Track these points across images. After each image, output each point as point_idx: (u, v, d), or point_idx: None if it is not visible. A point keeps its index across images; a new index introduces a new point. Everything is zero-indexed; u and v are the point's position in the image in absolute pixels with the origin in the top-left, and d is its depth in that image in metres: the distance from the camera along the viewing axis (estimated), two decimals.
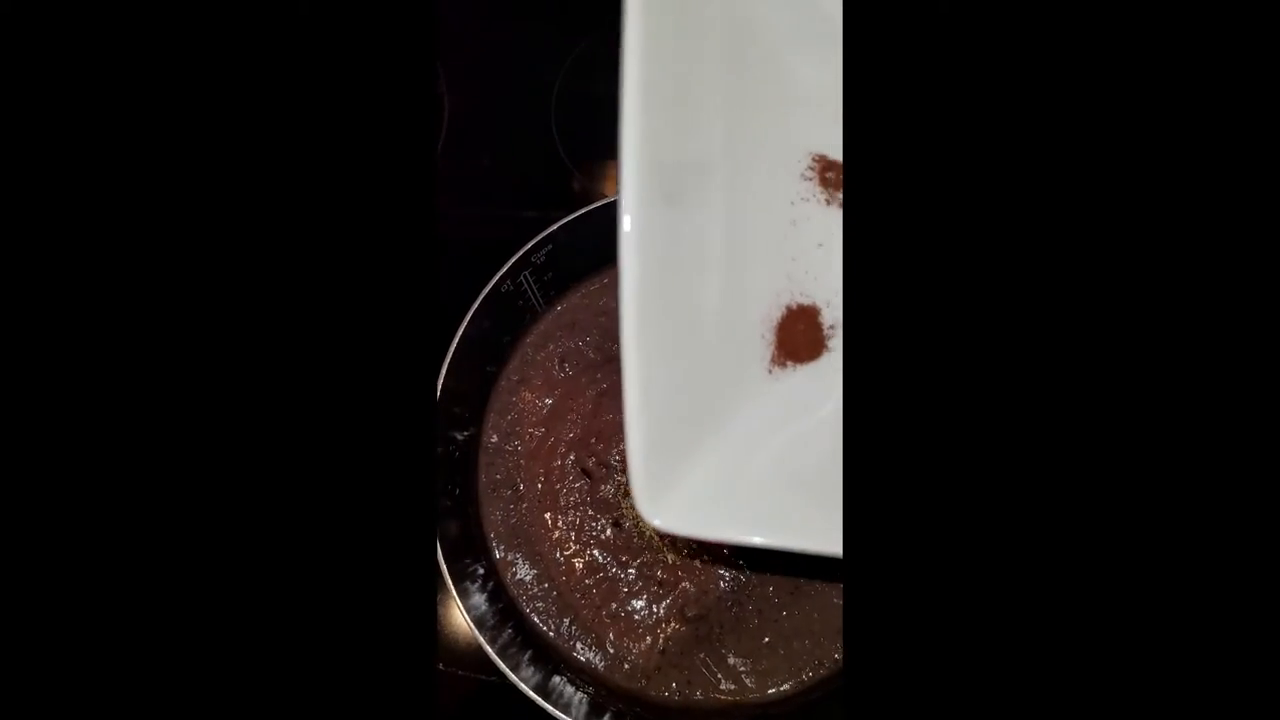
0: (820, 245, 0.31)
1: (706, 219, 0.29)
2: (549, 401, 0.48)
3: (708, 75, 0.28)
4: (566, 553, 0.46)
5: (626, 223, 0.27)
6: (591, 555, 0.45)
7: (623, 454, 0.45)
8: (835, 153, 0.31)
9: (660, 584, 0.45)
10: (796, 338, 0.31)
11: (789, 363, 0.32)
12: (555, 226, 0.44)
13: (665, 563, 0.45)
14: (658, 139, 0.26)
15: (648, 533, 0.45)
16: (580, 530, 0.46)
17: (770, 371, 0.32)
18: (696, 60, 0.27)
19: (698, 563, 0.45)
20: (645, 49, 0.25)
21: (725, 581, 0.44)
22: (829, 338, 0.32)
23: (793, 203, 0.31)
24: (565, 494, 0.46)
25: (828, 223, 0.31)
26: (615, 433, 0.46)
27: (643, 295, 0.28)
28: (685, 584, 0.45)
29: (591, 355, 0.49)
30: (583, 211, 0.45)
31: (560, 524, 0.46)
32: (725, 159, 0.29)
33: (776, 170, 0.30)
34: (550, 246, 0.45)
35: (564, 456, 0.47)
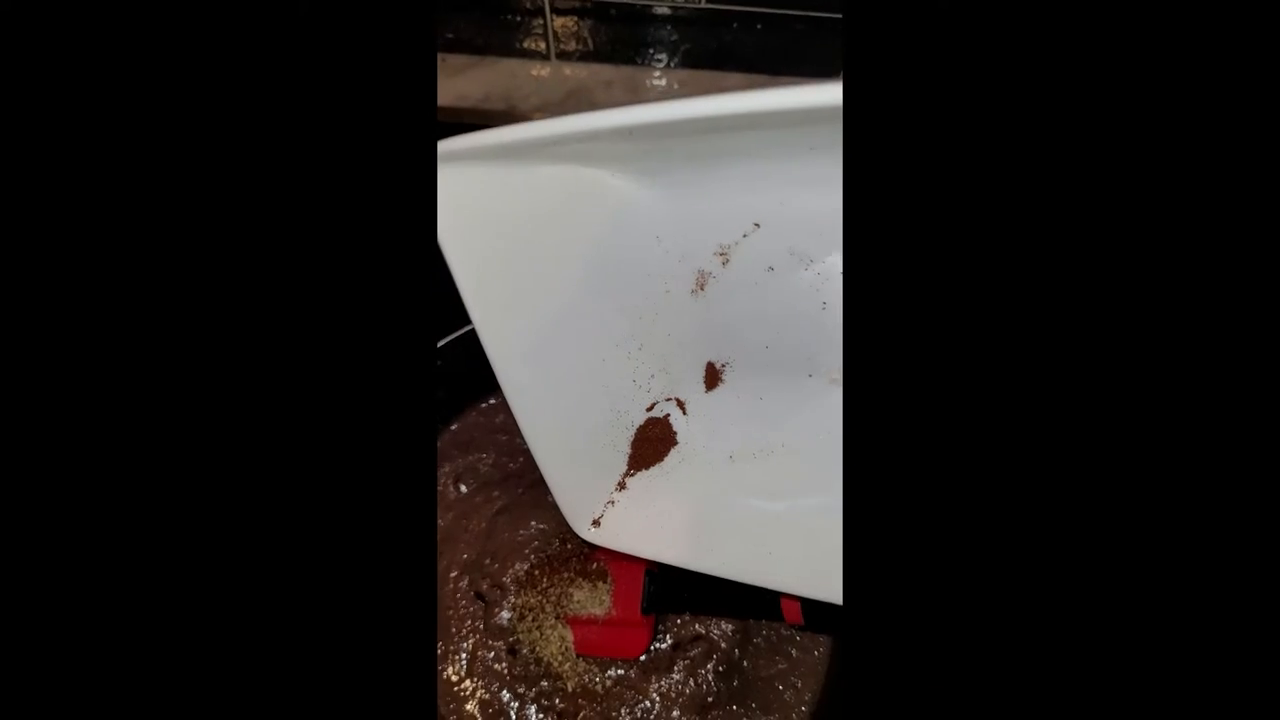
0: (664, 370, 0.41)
1: (563, 365, 0.39)
2: (441, 523, 0.46)
3: (530, 274, 0.37)
4: (461, 691, 0.43)
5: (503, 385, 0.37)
6: (487, 692, 0.43)
7: (517, 572, 0.44)
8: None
9: (560, 715, 0.42)
10: (647, 446, 0.41)
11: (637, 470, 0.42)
12: (441, 344, 0.44)
13: (565, 691, 0.42)
14: (501, 331, 0.36)
15: (545, 658, 0.42)
16: (474, 660, 0.43)
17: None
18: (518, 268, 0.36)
19: (598, 688, 0.43)
20: (472, 280, 0.35)
21: (626, 709, 0.42)
22: (675, 435, 0.42)
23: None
24: (457, 621, 0.44)
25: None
26: (511, 551, 0.45)
27: (533, 410, 0.38)
28: (585, 712, 0.42)
29: (488, 472, 0.48)
30: (468, 329, 0.45)
31: (452, 657, 0.43)
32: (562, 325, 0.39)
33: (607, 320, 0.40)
34: (441, 362, 0.44)
35: (456, 581, 0.45)
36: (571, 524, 0.40)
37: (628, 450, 0.41)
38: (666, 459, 0.42)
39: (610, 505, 0.41)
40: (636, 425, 0.41)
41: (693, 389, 0.41)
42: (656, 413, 0.42)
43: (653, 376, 0.41)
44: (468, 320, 0.44)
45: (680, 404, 0.42)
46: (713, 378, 0.41)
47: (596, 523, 0.41)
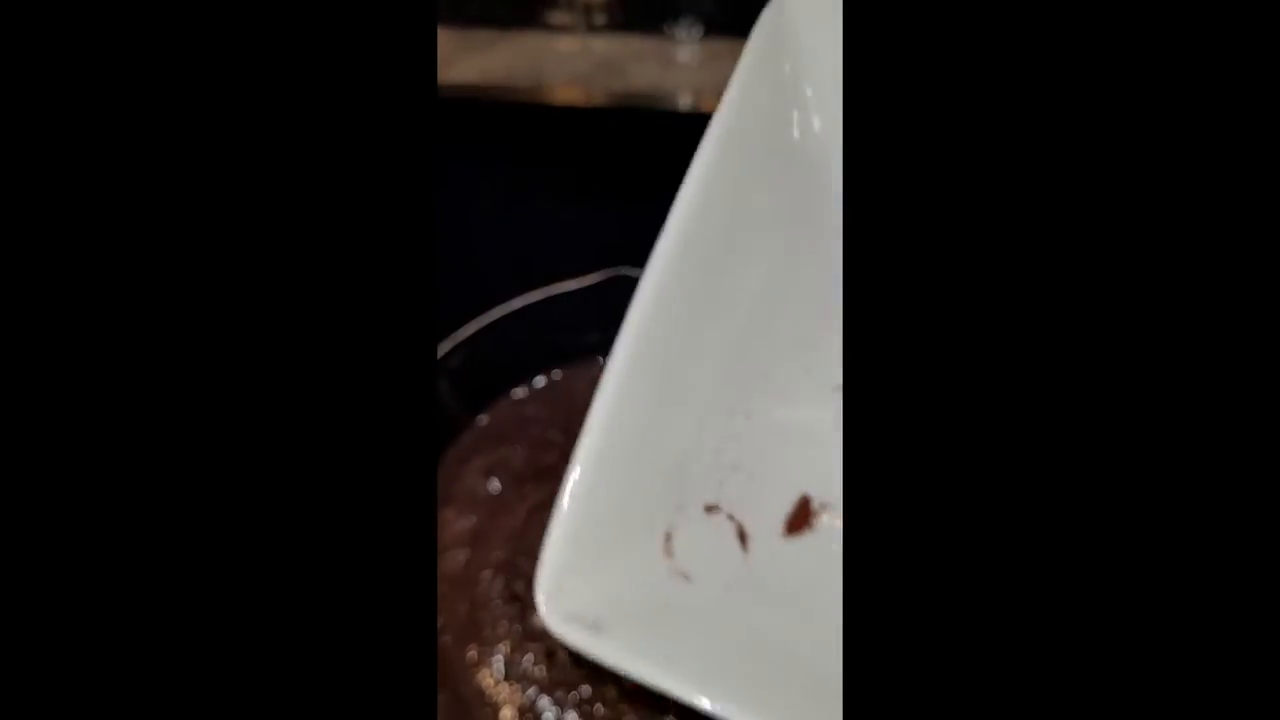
0: None
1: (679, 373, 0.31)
2: (473, 520, 0.44)
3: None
4: (496, 698, 0.40)
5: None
6: (524, 697, 0.40)
7: None
8: None
9: None
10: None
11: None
12: (473, 329, 0.42)
13: (608, 697, 0.40)
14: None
15: (586, 661, 0.40)
16: (510, 665, 0.41)
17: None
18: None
19: (643, 693, 0.40)
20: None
21: (673, 715, 0.40)
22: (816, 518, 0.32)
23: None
24: (491, 624, 0.42)
25: None
26: None
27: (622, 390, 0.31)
28: (629, 719, 0.40)
29: (521, 467, 0.46)
30: (504, 313, 0.43)
31: (486, 661, 0.41)
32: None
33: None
34: (468, 351, 0.42)
35: (490, 581, 0.42)
36: (540, 593, 0.30)
37: (661, 541, 0.32)
38: (699, 581, 0.32)
39: (605, 596, 0.31)
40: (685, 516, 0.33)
41: (769, 522, 0.32)
42: (712, 519, 0.32)
43: (735, 468, 0.32)
44: (478, 316, 0.42)
45: (742, 533, 0.33)
46: (801, 519, 0.32)
47: (574, 611, 0.30)
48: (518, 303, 0.42)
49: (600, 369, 0.47)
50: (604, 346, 0.47)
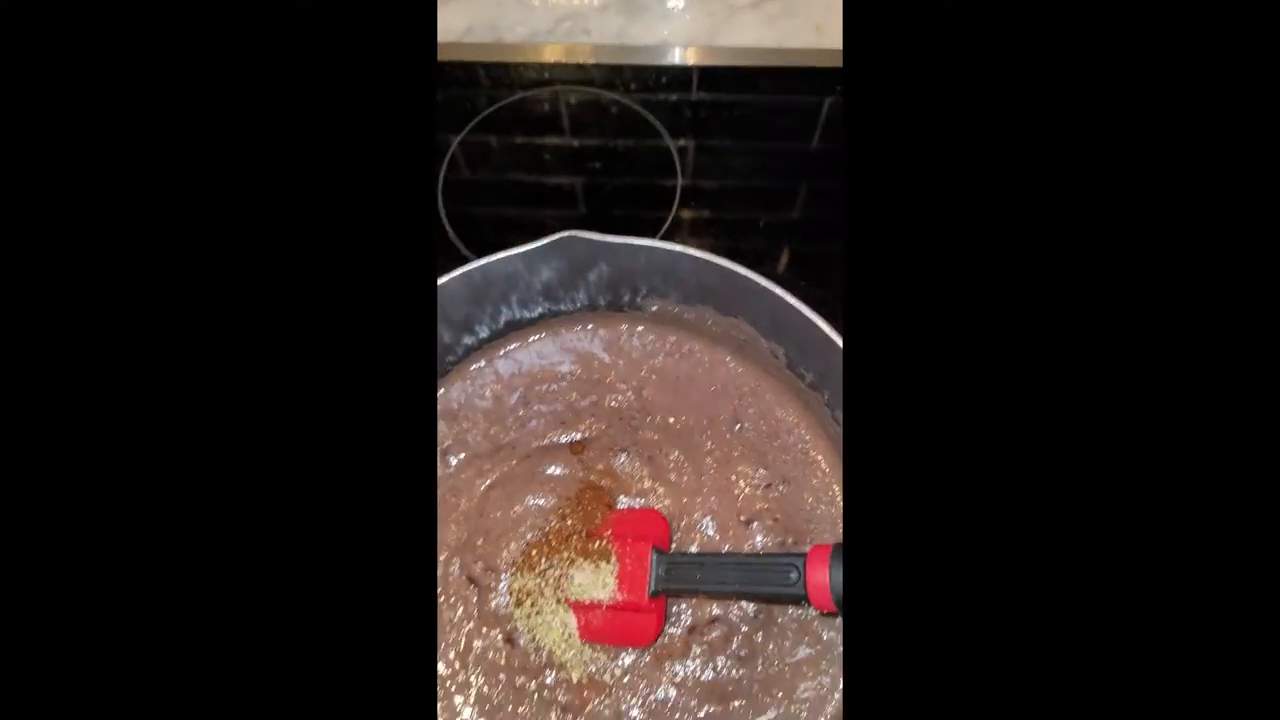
0: None
1: None
2: None
3: None
4: (455, 684, 0.39)
5: None
6: (486, 685, 0.39)
7: (513, 553, 0.39)
8: None
9: (565, 708, 0.38)
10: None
11: None
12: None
13: (569, 681, 0.38)
14: None
15: (546, 646, 0.38)
16: (468, 651, 0.39)
17: None
18: None
19: (607, 677, 0.38)
20: None
21: (639, 700, 0.38)
22: None
23: None
24: (448, 609, 0.40)
25: None
26: (504, 530, 0.40)
27: None
28: (594, 703, 0.38)
29: (478, 443, 0.43)
30: (448, 278, 0.40)
31: (444, 648, 0.39)
32: None
33: None
34: None
35: (446, 564, 0.40)
36: None
37: None
38: None
39: None
40: None
41: None
42: None
43: None
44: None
45: None
46: None
47: None
48: (468, 267, 0.40)
49: (550, 338, 0.45)
50: (555, 314, 0.45)
